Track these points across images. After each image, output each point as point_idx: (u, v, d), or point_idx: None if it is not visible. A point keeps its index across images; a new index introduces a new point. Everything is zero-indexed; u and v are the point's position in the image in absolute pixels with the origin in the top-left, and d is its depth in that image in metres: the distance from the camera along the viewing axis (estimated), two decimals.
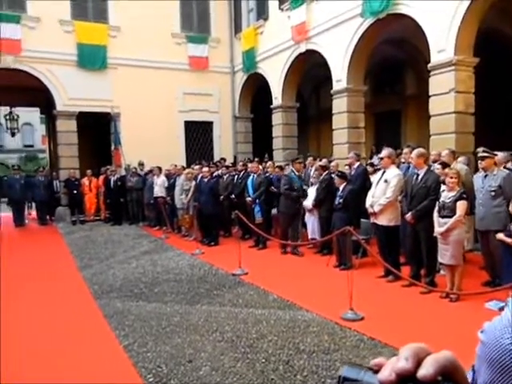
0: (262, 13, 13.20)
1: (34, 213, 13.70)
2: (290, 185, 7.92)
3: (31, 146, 36.26)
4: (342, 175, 6.92)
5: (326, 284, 5.98)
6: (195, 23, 14.04)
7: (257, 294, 5.54)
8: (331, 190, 7.14)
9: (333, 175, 7.31)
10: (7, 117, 17.13)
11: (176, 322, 4.64)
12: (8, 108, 17.04)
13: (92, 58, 12.44)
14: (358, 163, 7.87)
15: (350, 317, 4.51)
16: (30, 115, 28.35)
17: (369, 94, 11.66)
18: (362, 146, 10.45)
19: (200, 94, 13.86)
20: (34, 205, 13.87)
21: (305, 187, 8.07)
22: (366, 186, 7.09)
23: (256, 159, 10.42)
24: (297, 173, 8.13)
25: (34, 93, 13.31)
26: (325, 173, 7.68)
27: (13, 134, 17.96)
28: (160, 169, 11.22)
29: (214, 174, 9.78)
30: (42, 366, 3.76)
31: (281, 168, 9.11)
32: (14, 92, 13.79)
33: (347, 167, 8.33)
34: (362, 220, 6.75)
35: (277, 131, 12.93)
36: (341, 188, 6.73)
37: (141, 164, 12.24)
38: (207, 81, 14.00)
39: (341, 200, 6.60)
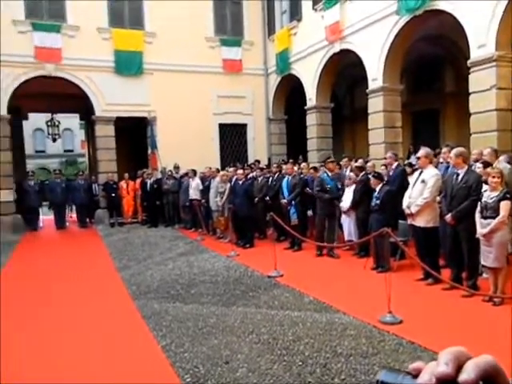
0: (295, 14, 13.20)
1: (74, 215, 14.20)
2: (322, 186, 7.88)
3: (71, 151, 37.64)
4: (379, 176, 6.82)
5: (363, 286, 5.90)
6: (229, 26, 14.20)
7: (292, 296, 5.54)
8: (368, 191, 7.04)
9: (369, 176, 7.21)
10: (49, 123, 17.88)
11: (212, 323, 4.71)
12: (49, 114, 17.79)
13: (129, 64, 12.81)
14: (395, 163, 7.73)
15: (388, 320, 4.44)
16: (70, 121, 29.43)
17: (405, 92, 11.43)
18: (399, 145, 10.26)
19: (234, 97, 14.00)
20: (74, 208, 14.37)
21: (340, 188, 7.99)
22: (404, 186, 6.96)
23: (291, 161, 10.41)
24: (329, 173, 8.06)
25: (74, 99, 13.83)
26: (361, 174, 7.58)
27: (54, 140, 18.73)
28: (195, 171, 11.40)
29: (249, 176, 9.85)
30: (82, 365, 3.91)
31: (315, 169, 9.06)
32: (55, 99, 14.39)
33: (384, 168, 8.20)
34: (400, 221, 6.63)
35: (311, 132, 12.88)
36: (377, 189, 6.64)
37: (176, 167, 12.48)
38: (241, 83, 14.12)
39: (378, 201, 6.51)
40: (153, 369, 3.74)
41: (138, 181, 12.96)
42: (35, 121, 23.14)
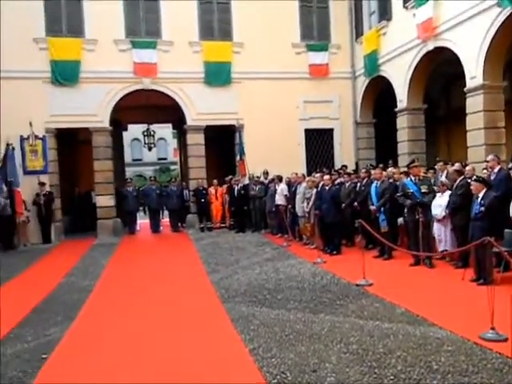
0: (384, 14, 12.80)
1: (167, 220, 15.05)
2: (404, 191, 7.52)
3: (164, 159, 40.06)
4: (483, 180, 6.31)
5: (461, 299, 5.50)
6: (315, 31, 14.18)
7: (383, 307, 5.34)
8: (467, 197, 6.56)
9: (469, 180, 6.72)
10: (145, 133, 19.20)
11: (299, 329, 4.69)
12: (146, 125, 19.11)
13: (218, 75, 13.33)
14: (498, 167, 7.12)
15: (490, 337, 4.09)
16: (164, 131, 31.36)
17: (509, 89, 10.50)
18: (501, 147, 9.44)
19: (320, 102, 13.91)
20: (166, 213, 15.23)
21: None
22: (509, 192, 6.39)
23: (380, 165, 10.06)
24: (413, 178, 7.65)
25: (167, 110, 14.73)
26: (460, 178, 7.08)
27: (150, 149, 20.07)
28: (281, 177, 11.50)
29: (336, 182, 9.70)
30: (171, 363, 4.10)
31: (406, 174, 8.66)
32: (150, 111, 15.46)
33: (485, 171, 7.59)
34: (506, 230, 6.08)
35: (402, 135, 12.35)
36: (480, 195, 6.14)
37: (265, 173, 12.68)
38: (327, 88, 14.00)
39: (482, 208, 6.01)
40: (240, 371, 3.83)
41: (225, 186, 13.39)
42: (133, 131, 24.97)
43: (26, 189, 11.89)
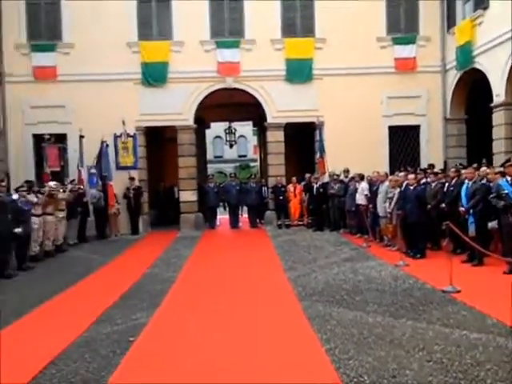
0: (480, 2, 11.89)
1: (246, 216, 15.34)
2: (498, 192, 6.94)
3: (244, 156, 40.91)
4: None
5: None
6: (402, 24, 13.60)
7: (471, 316, 5.00)
8: None
9: None
10: (227, 131, 19.76)
11: (378, 333, 4.55)
12: (227, 123, 19.65)
13: (299, 72, 13.32)
14: None
15: None
16: (244, 128, 32.01)
17: None
18: None
19: (406, 97, 13.33)
20: (246, 209, 15.52)
21: None
22: None
23: (474, 165, 9.38)
24: (509, 179, 7.01)
25: (248, 108, 15.00)
26: None
27: (231, 146, 20.63)
28: (362, 176, 11.20)
29: (421, 182, 9.23)
30: (246, 358, 4.18)
31: (502, 174, 8.00)
32: (232, 108, 15.85)
33: None
34: None
35: (498, 132, 11.41)
36: None
37: (346, 171, 12.45)
38: (414, 82, 13.37)
39: None
40: (316, 370, 3.80)
41: (303, 184, 13.34)
42: (215, 129, 25.78)
43: (118, 183, 12.79)
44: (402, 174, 9.77)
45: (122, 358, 4.16)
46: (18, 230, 8.26)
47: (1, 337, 4.82)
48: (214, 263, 8.85)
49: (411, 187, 8.66)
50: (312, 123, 13.60)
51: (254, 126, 19.94)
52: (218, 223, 14.71)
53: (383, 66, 13.36)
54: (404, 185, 8.94)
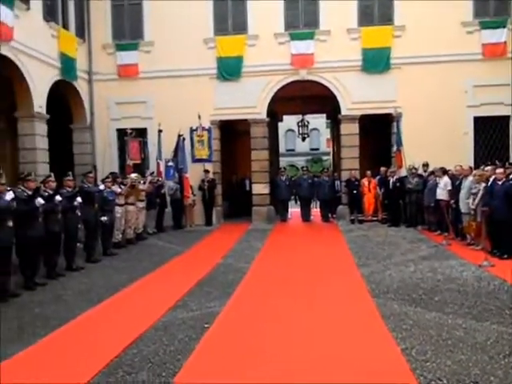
0: None
1: (317, 210, 15.19)
2: None
3: (317, 149, 40.49)
4: None
5: None
6: (491, 6, 12.62)
7: None
8: None
9: None
10: (299, 123, 19.65)
11: (459, 336, 4.32)
12: (300, 116, 19.53)
13: (376, 62, 12.87)
14: None
15: None
16: (317, 121, 31.62)
17: None
18: None
19: (494, 86, 12.35)
20: (318, 202, 15.37)
21: None
22: None
23: None
24: None
25: (321, 100, 14.79)
26: None
27: (303, 139, 20.49)
28: (444, 170, 10.62)
29: (511, 176, 8.55)
30: (318, 351, 4.16)
31: None
32: (305, 101, 15.71)
33: None
34: None
35: None
36: None
37: (425, 165, 11.88)
38: (504, 69, 12.32)
39: None
40: (392, 369, 3.70)
41: (379, 178, 12.93)
42: (287, 122, 25.71)
43: (193, 175, 13.23)
44: (489, 167, 9.12)
45: (197, 343, 4.33)
46: (103, 218, 8.91)
47: (88, 317, 5.24)
48: (286, 256, 8.89)
49: (499, 182, 8.06)
50: (389, 115, 13.10)
51: (328, 118, 19.63)
52: (289, 216, 14.73)
53: (469, 53, 12.50)
54: (491, 180, 8.35)
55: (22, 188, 6.68)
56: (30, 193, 6.57)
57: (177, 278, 7.19)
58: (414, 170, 11.86)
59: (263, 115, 13.61)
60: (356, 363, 3.81)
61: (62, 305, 5.79)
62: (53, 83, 11.85)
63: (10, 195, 6.03)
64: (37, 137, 11.18)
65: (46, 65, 11.56)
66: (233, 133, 16.16)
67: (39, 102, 11.24)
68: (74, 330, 4.85)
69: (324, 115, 19.92)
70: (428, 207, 11.03)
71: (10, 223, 6.05)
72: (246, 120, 13.70)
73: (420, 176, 11.71)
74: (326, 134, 35.59)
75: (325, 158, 37.02)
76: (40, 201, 6.56)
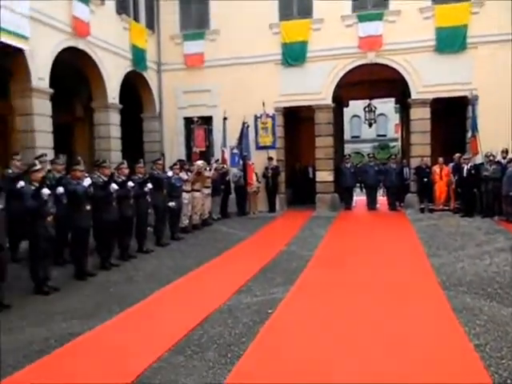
0: None
1: (383, 198, 14.74)
2: None
3: (384, 136, 39.10)
4: None
5: None
6: None
7: None
8: None
9: None
10: (366, 109, 19.06)
11: None
12: (367, 101, 18.94)
13: (451, 41, 12.12)
14: None
15: None
16: (385, 106, 30.53)
17: None
18: None
19: None
20: (384, 190, 14.92)
21: None
22: None
23: None
24: None
25: (390, 84, 14.23)
26: None
27: (370, 125, 19.87)
28: None
29: None
30: (386, 342, 4.06)
31: None
32: (372, 85, 15.20)
33: None
34: None
35: None
36: None
37: (504, 151, 11.10)
38: None
39: None
40: (464, 365, 3.55)
41: (451, 165, 12.27)
42: (353, 108, 25.06)
43: (257, 163, 13.36)
44: None
45: (261, 327, 4.42)
46: (171, 203, 9.27)
47: (158, 297, 5.51)
48: (350, 244, 8.76)
49: None
50: (463, 98, 12.34)
51: (396, 103, 18.92)
52: (354, 204, 14.46)
53: None
54: None
55: (98, 174, 7.12)
56: (105, 179, 6.98)
57: (241, 263, 7.34)
58: (491, 157, 11.12)
59: (328, 101, 13.37)
60: (425, 358, 3.69)
61: (134, 285, 6.13)
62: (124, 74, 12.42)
63: (87, 181, 6.45)
64: (111, 126, 11.83)
65: (119, 57, 12.13)
66: (297, 119, 16.06)
67: (113, 93, 11.85)
68: (145, 309, 5.13)
69: (392, 100, 19.20)
70: (507, 196, 10.33)
71: (88, 207, 6.49)
72: (310, 106, 13.54)
73: (498, 163, 10.97)
74: (393, 119, 34.30)
75: (392, 144, 35.72)
76: (114, 186, 6.94)
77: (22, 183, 6.56)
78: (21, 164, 7.49)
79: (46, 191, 5.67)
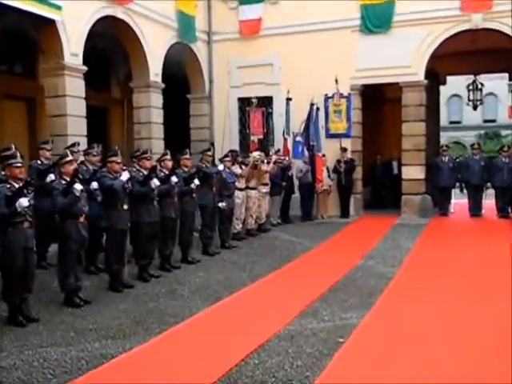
0: None
1: (491, 202, 14.11)
2: None
3: (493, 121, 37.50)
4: None
5: None
6: None
7: None
8: None
9: None
10: (470, 87, 18.39)
11: None
12: (471, 77, 18.26)
13: None
14: None
15: None
16: (494, 84, 29.24)
17: None
18: None
19: None
20: (491, 192, 14.28)
21: None
22: None
23: None
24: None
25: (501, 55, 13.65)
26: None
27: (475, 107, 19.14)
28: None
29: None
30: None
31: None
32: (478, 57, 14.64)
33: None
34: None
35: None
36: None
37: None
38: None
39: None
40: None
41: None
42: (452, 85, 24.25)
43: (328, 154, 13.30)
44: None
45: (329, 359, 4.43)
46: (221, 204, 9.46)
47: (206, 316, 5.68)
48: (446, 262, 8.49)
49: None
50: None
51: (511, 79, 18.11)
52: (451, 209, 14.04)
53: None
54: None
55: (137, 167, 7.43)
56: (145, 173, 7.26)
57: (305, 279, 7.37)
58: None
59: (420, 76, 13.05)
60: None
61: (176, 300, 6.35)
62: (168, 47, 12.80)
63: (125, 175, 6.74)
64: (152, 109, 12.29)
65: (162, 26, 12.54)
66: (378, 100, 15.83)
67: (155, 69, 12.28)
68: (188, 330, 5.30)
69: (505, 76, 18.43)
70: None
71: (126, 206, 6.79)
72: (396, 83, 13.27)
73: None
74: (506, 100, 32.79)
75: (504, 132, 34.18)
76: (156, 182, 7.19)
77: (51, 177, 7.01)
78: (50, 154, 7.97)
79: (78, 186, 5.95)
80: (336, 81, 12.99)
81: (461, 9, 12.41)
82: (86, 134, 10.08)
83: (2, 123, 11.13)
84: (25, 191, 5.32)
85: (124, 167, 7.09)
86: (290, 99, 13.22)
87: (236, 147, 13.58)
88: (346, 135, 13.58)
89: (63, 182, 6.06)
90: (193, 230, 8.76)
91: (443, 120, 26.78)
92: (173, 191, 7.77)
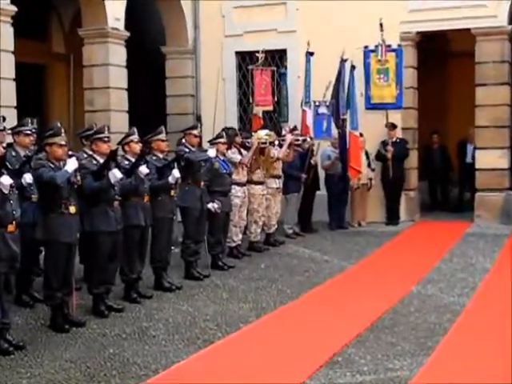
0: None
1: None
2: None
3: None
4: None
5: None
6: None
7: None
8: None
9: None
10: None
11: None
12: None
13: None
14: None
15: None
16: None
17: None
18: None
19: None
20: None
21: None
22: None
23: None
24: None
25: None
26: None
27: None
28: None
29: None
30: None
31: None
32: None
33: None
34: None
35: None
36: None
37: None
38: None
39: None
40: None
41: None
42: None
43: (368, 133, 13.31)
44: None
45: None
46: (211, 204, 9.41)
47: (189, 367, 5.70)
48: None
49: None
50: None
51: None
52: None
53: None
54: None
55: (90, 153, 7.44)
56: (101, 161, 7.20)
57: (335, 314, 7.37)
58: None
59: (502, 21, 13.03)
60: None
61: (148, 344, 6.32)
62: None
63: (72, 164, 6.55)
64: (111, 68, 12.26)
65: None
66: (441, 56, 15.82)
67: (115, 10, 12.23)
68: None
69: None
70: None
71: (73, 208, 6.69)
72: (467, 30, 13.23)
73: None
74: None
75: None
76: (117, 174, 7.05)
77: None
78: None
79: (5, 180, 5.84)
80: (380, 26, 12.93)
81: None
82: (14, 104, 10.07)
83: None
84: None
85: (70, 152, 7.02)
86: (312, 54, 13.15)
87: (234, 124, 13.51)
88: (396, 106, 13.48)
89: None
90: (171, 243, 8.76)
91: None
92: (142, 187, 7.75)
